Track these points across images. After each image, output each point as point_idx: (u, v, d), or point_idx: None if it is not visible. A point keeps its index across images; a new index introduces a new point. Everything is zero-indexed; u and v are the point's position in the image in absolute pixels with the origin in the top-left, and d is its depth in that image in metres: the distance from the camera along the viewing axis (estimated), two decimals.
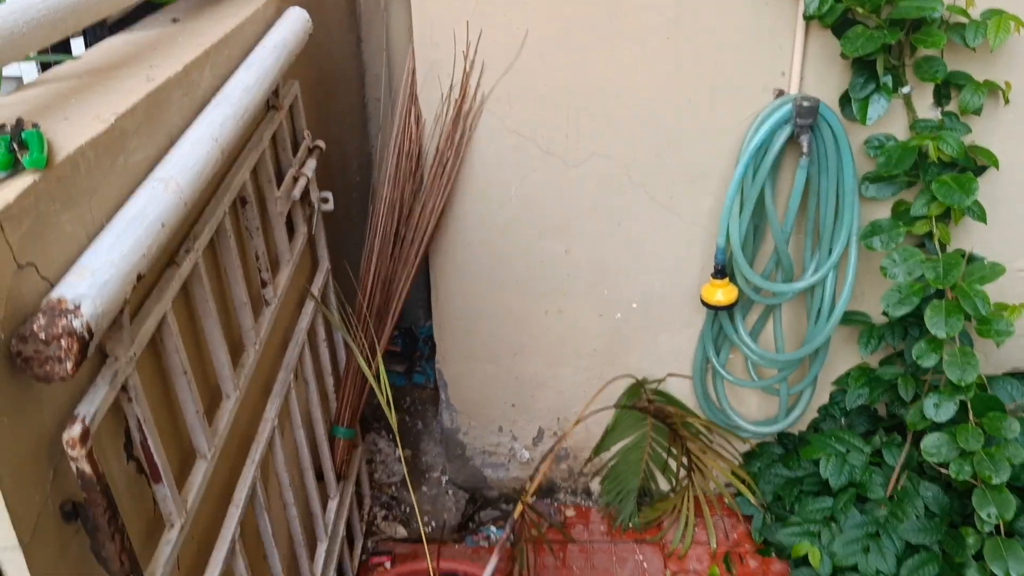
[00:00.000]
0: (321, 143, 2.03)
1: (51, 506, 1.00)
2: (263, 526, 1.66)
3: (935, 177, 2.02)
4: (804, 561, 2.24)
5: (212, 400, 1.48)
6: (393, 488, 2.72)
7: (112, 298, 0.97)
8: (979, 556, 2.00)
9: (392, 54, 2.58)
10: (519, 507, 2.04)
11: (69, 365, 0.90)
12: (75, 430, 0.97)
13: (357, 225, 2.71)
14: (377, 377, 1.96)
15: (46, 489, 0.99)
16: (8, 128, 1.00)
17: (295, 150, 1.94)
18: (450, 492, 2.72)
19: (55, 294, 0.93)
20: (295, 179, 1.87)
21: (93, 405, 1.02)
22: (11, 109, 1.14)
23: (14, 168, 0.98)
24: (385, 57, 2.55)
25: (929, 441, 2.05)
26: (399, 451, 2.71)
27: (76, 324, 0.91)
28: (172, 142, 1.28)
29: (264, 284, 1.71)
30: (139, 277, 1.04)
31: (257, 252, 1.66)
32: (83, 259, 1.00)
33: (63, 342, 0.89)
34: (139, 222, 1.07)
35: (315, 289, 2.07)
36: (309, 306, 2.03)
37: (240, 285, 1.54)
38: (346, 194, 2.66)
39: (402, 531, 2.60)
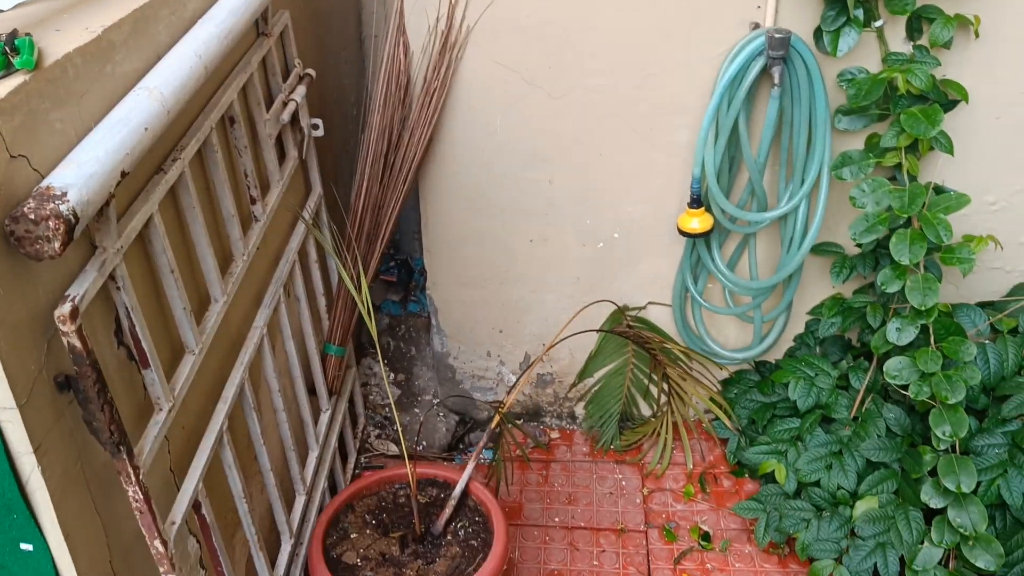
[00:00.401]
0: (311, 71, 2.12)
1: (45, 376, 1.12)
2: (252, 426, 1.78)
3: (904, 109, 2.09)
4: (771, 478, 2.36)
5: (201, 303, 1.59)
6: (386, 409, 2.86)
7: (97, 189, 1.08)
8: (934, 472, 2.10)
9: None
10: (496, 418, 2.16)
11: (56, 245, 1.01)
12: (65, 308, 1.08)
13: (353, 157, 2.81)
14: (365, 300, 2.07)
15: (40, 360, 1.11)
16: (3, 36, 1.10)
17: (286, 77, 2.03)
18: (441, 414, 2.85)
19: (44, 182, 1.04)
20: (284, 104, 1.96)
21: (82, 288, 1.13)
22: (7, 23, 1.24)
23: (7, 70, 1.08)
24: None
25: (891, 364, 2.14)
26: (381, 369, 2.84)
27: (63, 208, 1.01)
28: (159, 57, 1.38)
29: (253, 201, 1.81)
30: (123, 174, 1.14)
31: (246, 170, 1.77)
32: (71, 154, 1.11)
33: (51, 223, 1.00)
34: (123, 124, 1.17)
35: (306, 212, 2.17)
36: (301, 228, 2.13)
37: (228, 198, 1.65)
38: (343, 126, 2.75)
39: (394, 448, 2.74)
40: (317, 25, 2.44)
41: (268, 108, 1.90)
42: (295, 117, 2.04)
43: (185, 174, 1.45)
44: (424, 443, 2.77)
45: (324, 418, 2.32)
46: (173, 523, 1.40)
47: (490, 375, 2.80)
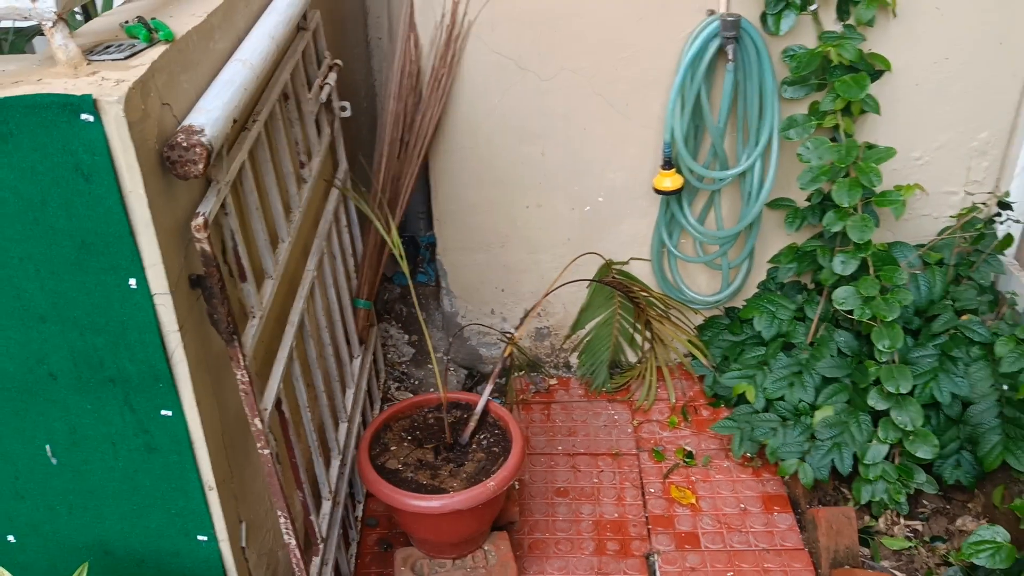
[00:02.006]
0: (339, 61, 2.49)
1: (183, 274, 1.48)
2: (309, 350, 2.14)
3: (838, 78, 2.50)
4: (743, 399, 2.74)
5: (273, 241, 1.95)
6: (403, 366, 3.21)
7: (221, 128, 1.44)
8: (878, 382, 2.49)
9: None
10: (507, 348, 2.53)
11: (200, 166, 1.37)
12: (199, 220, 1.44)
13: (365, 144, 3.18)
14: (396, 244, 2.43)
15: (181, 260, 1.47)
16: (136, 20, 1.47)
17: (319, 66, 2.40)
18: (452, 368, 3.21)
19: (186, 121, 1.40)
20: (321, 87, 2.34)
21: (208, 207, 1.49)
22: (130, 12, 1.61)
23: (150, 42, 1.45)
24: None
25: (839, 292, 2.53)
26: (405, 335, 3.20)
27: (204, 140, 1.38)
28: (240, 39, 1.75)
29: (302, 165, 2.18)
30: (234, 121, 1.51)
31: (296, 138, 2.14)
32: (199, 103, 1.47)
33: (197, 150, 1.36)
34: (230, 85, 1.54)
35: (337, 181, 2.54)
36: (334, 195, 2.50)
37: (287, 159, 2.01)
38: (355, 117, 3.12)
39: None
40: (335, 26, 2.82)
41: (309, 89, 2.27)
42: (328, 99, 2.41)
43: (261, 134, 1.82)
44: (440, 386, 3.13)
45: (356, 362, 2.68)
46: (265, 409, 1.75)
47: (494, 331, 3.17)
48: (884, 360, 2.48)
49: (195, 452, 1.57)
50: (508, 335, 2.85)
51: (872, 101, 2.52)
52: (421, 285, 3.43)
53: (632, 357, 3.16)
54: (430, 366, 3.20)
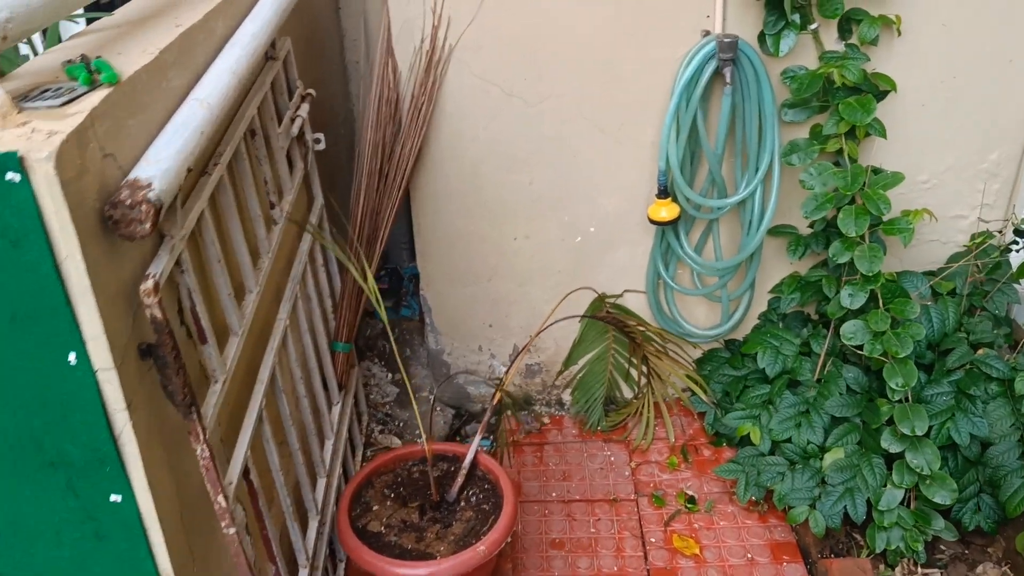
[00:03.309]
0: (312, 91, 2.34)
1: (132, 344, 1.32)
2: (282, 407, 1.98)
3: (842, 100, 2.36)
4: (747, 440, 2.59)
5: (238, 293, 1.79)
6: (387, 406, 3.05)
7: (172, 180, 1.28)
8: (891, 422, 2.34)
9: (369, 16, 2.88)
10: (496, 394, 2.37)
11: (147, 225, 1.21)
12: (148, 283, 1.28)
13: (344, 172, 3.02)
14: (372, 290, 2.27)
15: (128, 329, 1.31)
16: (81, 59, 1.31)
17: (290, 97, 2.24)
18: (438, 408, 3.05)
19: (132, 175, 1.24)
20: (292, 120, 2.18)
21: (159, 267, 1.33)
22: (74, 50, 1.45)
23: (92, 85, 1.29)
24: (363, 21, 2.85)
25: (847, 326, 2.39)
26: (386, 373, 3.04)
27: (151, 195, 1.21)
28: (198, 75, 1.59)
29: (272, 205, 2.02)
30: (188, 170, 1.35)
31: (265, 177, 1.98)
32: (148, 153, 1.31)
33: (143, 208, 1.20)
34: (185, 128, 1.38)
35: (312, 219, 2.38)
36: (308, 235, 2.34)
37: (255, 200, 1.85)
38: (333, 144, 2.96)
39: (397, 442, 2.92)
40: (311, 52, 2.67)
41: (279, 123, 2.11)
42: (301, 132, 2.26)
43: (224, 177, 1.66)
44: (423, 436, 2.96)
45: (336, 409, 2.51)
46: (230, 483, 1.59)
47: (482, 368, 3.01)
48: (897, 399, 2.34)
49: (149, 538, 1.40)
50: (496, 381, 2.68)
51: (878, 125, 2.38)
52: (405, 320, 3.27)
53: (628, 393, 3.01)
54: (415, 407, 3.03)
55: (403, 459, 2.28)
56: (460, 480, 2.16)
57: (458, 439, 3.04)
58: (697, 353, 2.95)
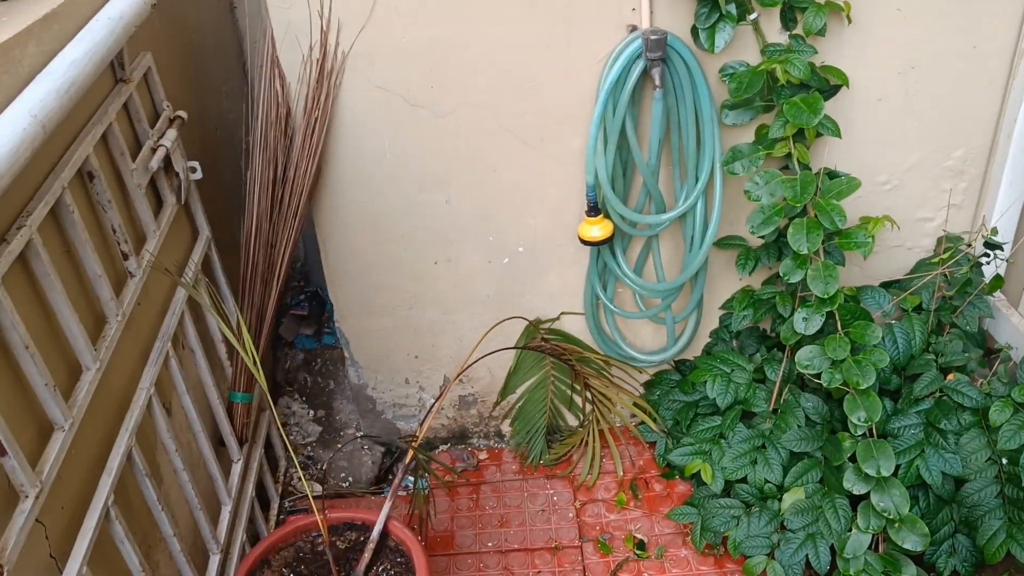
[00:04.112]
0: (183, 113, 2.03)
1: None
2: (147, 492, 1.70)
3: (787, 99, 2.09)
4: (698, 477, 2.34)
5: (73, 375, 1.50)
6: (309, 448, 2.77)
7: None
8: (855, 458, 2.10)
9: (263, 19, 2.57)
10: (409, 454, 2.10)
11: None
12: None
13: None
14: (250, 353, 2.00)
15: None
16: None
17: (154, 121, 1.94)
18: (365, 447, 2.78)
19: None
20: (153, 150, 1.88)
21: None
22: None
23: None
24: (247, 22, 2.54)
25: (802, 353, 2.14)
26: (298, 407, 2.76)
27: None
28: None
29: (126, 256, 1.72)
30: None
31: (113, 225, 1.68)
32: None
33: None
34: None
35: (195, 258, 2.08)
36: (189, 275, 2.05)
37: (92, 258, 1.56)
38: (233, 161, 2.66)
39: (318, 488, 2.65)
40: (191, 61, 2.36)
41: (135, 157, 1.81)
42: (168, 162, 1.96)
43: (34, 241, 1.36)
44: (351, 479, 2.70)
45: (236, 469, 2.24)
46: None
47: (411, 402, 2.74)
48: (860, 434, 2.09)
49: None
50: (407, 439, 2.37)
51: (831, 124, 2.11)
52: (328, 348, 2.98)
53: (573, 421, 2.75)
54: (339, 446, 2.76)
55: (305, 530, 2.01)
56: (367, 556, 1.89)
57: (390, 477, 2.78)
58: (644, 375, 2.69)
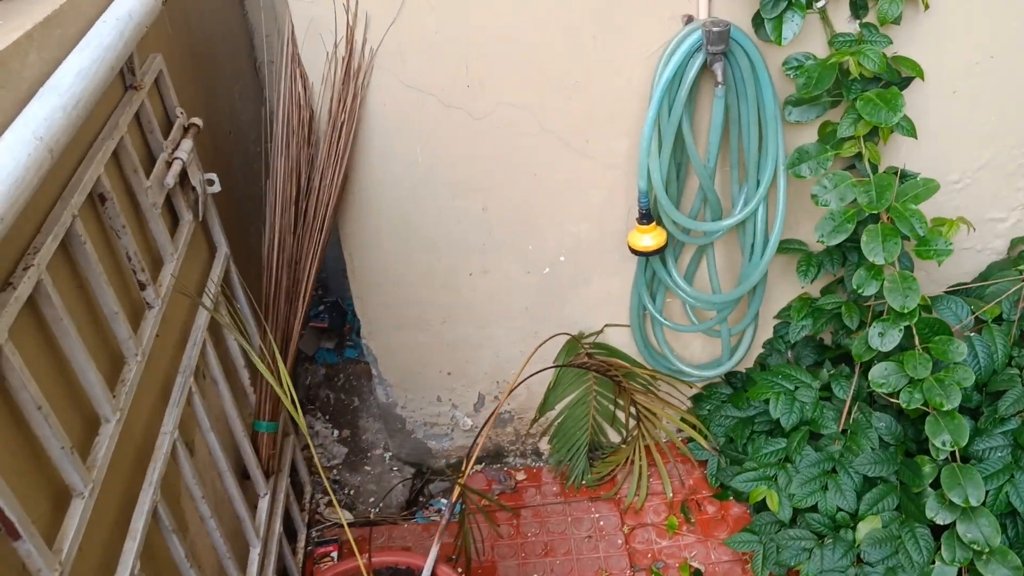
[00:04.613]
0: (198, 120, 1.85)
1: None
2: (174, 550, 1.52)
3: (859, 94, 1.91)
4: (764, 505, 2.17)
5: (90, 427, 1.32)
6: (334, 471, 2.60)
7: None
8: (935, 484, 1.94)
9: (278, 12, 2.38)
10: (456, 491, 1.92)
11: None
12: None
13: (261, 201, 2.54)
14: (287, 388, 1.82)
15: None
16: None
17: (167, 131, 1.76)
18: (395, 469, 2.61)
19: None
20: (168, 164, 1.70)
21: None
22: None
23: None
24: (262, 17, 2.35)
25: (877, 371, 1.97)
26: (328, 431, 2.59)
27: None
28: None
29: (143, 286, 1.54)
30: None
31: (129, 252, 1.50)
32: None
33: None
34: None
35: (213, 277, 1.90)
36: (211, 291, 1.87)
37: (107, 293, 1.38)
38: (246, 168, 2.48)
39: (348, 516, 2.49)
40: (199, 62, 2.17)
41: (148, 173, 1.63)
42: (184, 176, 1.77)
43: (44, 282, 1.18)
44: (381, 504, 2.53)
45: (264, 505, 2.06)
46: None
47: (443, 420, 2.57)
48: (942, 458, 1.92)
49: None
50: (454, 476, 2.18)
51: (908, 124, 1.93)
52: (351, 362, 2.81)
53: (615, 437, 2.58)
54: (368, 468, 2.59)
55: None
56: None
57: (421, 500, 2.61)
58: (692, 389, 2.52)
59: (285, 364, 2.09)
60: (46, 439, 1.16)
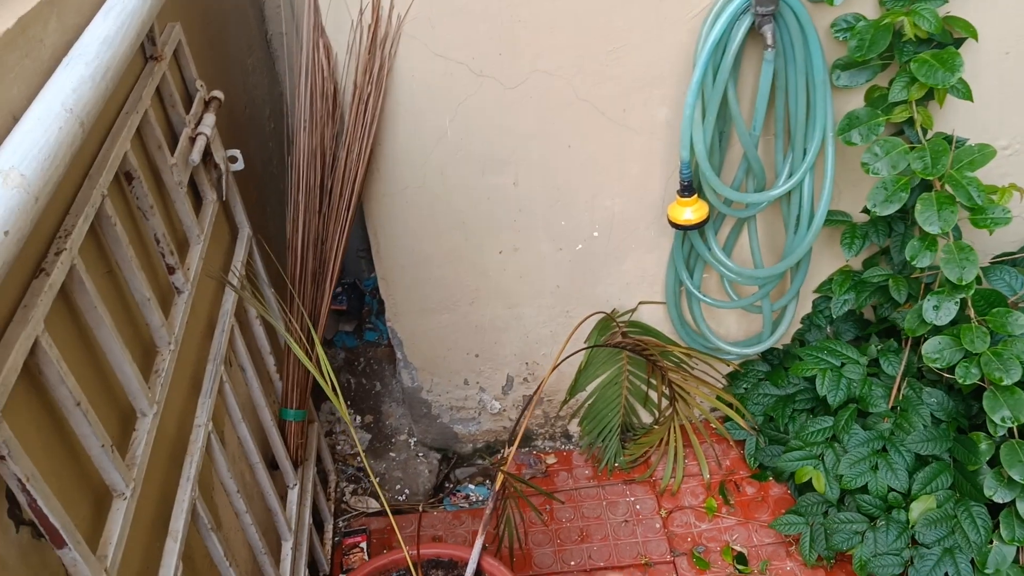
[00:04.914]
0: (219, 93, 1.74)
1: None
2: (213, 548, 1.44)
3: (912, 56, 1.82)
4: (807, 486, 2.10)
5: (126, 422, 1.24)
6: (358, 459, 2.52)
7: None
8: (992, 462, 1.87)
9: None
10: (499, 478, 1.84)
11: None
12: None
13: (280, 178, 2.44)
14: (318, 359, 1.73)
15: None
16: None
17: (188, 106, 1.65)
18: (420, 455, 2.53)
19: None
20: (192, 140, 1.59)
21: None
22: None
23: None
24: None
25: (930, 346, 1.89)
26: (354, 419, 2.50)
27: None
28: (15, 119, 1.01)
29: (172, 270, 1.45)
30: None
31: (156, 234, 1.40)
32: None
33: None
34: None
35: (237, 262, 1.81)
36: (235, 281, 1.77)
37: (139, 278, 1.28)
38: (261, 145, 2.37)
39: (374, 504, 2.41)
40: (211, 32, 2.06)
41: (172, 150, 1.53)
42: (208, 153, 1.67)
43: (77, 268, 1.09)
44: (407, 490, 2.45)
45: (293, 496, 1.98)
46: None
47: (470, 404, 2.48)
48: (1000, 434, 1.85)
49: None
50: (497, 463, 2.10)
51: (964, 87, 1.84)
52: (371, 345, 2.72)
53: (647, 417, 2.51)
54: (392, 455, 2.51)
55: (383, 571, 1.76)
56: None
57: (448, 486, 2.53)
58: (727, 367, 2.44)
59: (314, 348, 2.00)
60: (85, 437, 1.07)
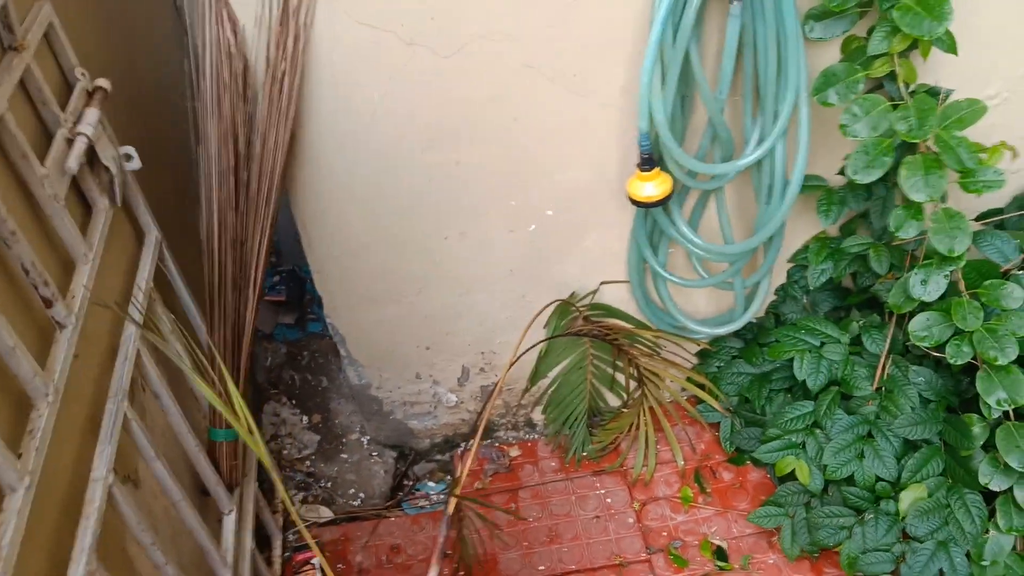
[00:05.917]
0: (104, 82, 1.50)
1: None
2: None
3: (895, 2, 1.62)
4: (790, 475, 1.96)
5: None
6: (307, 462, 2.34)
7: None
8: (987, 446, 1.73)
9: None
10: (451, 503, 1.66)
11: None
12: None
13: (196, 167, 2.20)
14: (251, 356, 1.53)
15: None
16: None
17: (65, 99, 1.42)
18: (375, 454, 2.35)
19: None
20: (70, 141, 1.36)
21: None
22: None
23: None
24: None
25: (918, 322, 1.73)
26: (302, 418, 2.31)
27: None
28: None
29: (49, 303, 1.23)
30: None
31: (24, 264, 1.18)
32: None
33: None
34: None
35: (142, 276, 1.58)
36: (139, 298, 1.55)
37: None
38: (174, 129, 2.11)
39: (327, 512, 2.23)
40: (105, 6, 1.80)
41: (44, 157, 1.29)
42: (93, 154, 1.44)
43: None
44: (362, 494, 2.28)
45: (228, 523, 1.79)
46: None
47: (424, 399, 2.30)
48: (995, 417, 1.71)
49: None
50: (450, 487, 1.89)
51: (949, 38, 1.65)
52: (315, 337, 2.52)
53: (615, 401, 2.34)
54: (344, 456, 2.33)
55: None
56: None
57: (407, 484, 2.37)
58: (696, 345, 2.27)
59: (240, 359, 1.80)
60: None
